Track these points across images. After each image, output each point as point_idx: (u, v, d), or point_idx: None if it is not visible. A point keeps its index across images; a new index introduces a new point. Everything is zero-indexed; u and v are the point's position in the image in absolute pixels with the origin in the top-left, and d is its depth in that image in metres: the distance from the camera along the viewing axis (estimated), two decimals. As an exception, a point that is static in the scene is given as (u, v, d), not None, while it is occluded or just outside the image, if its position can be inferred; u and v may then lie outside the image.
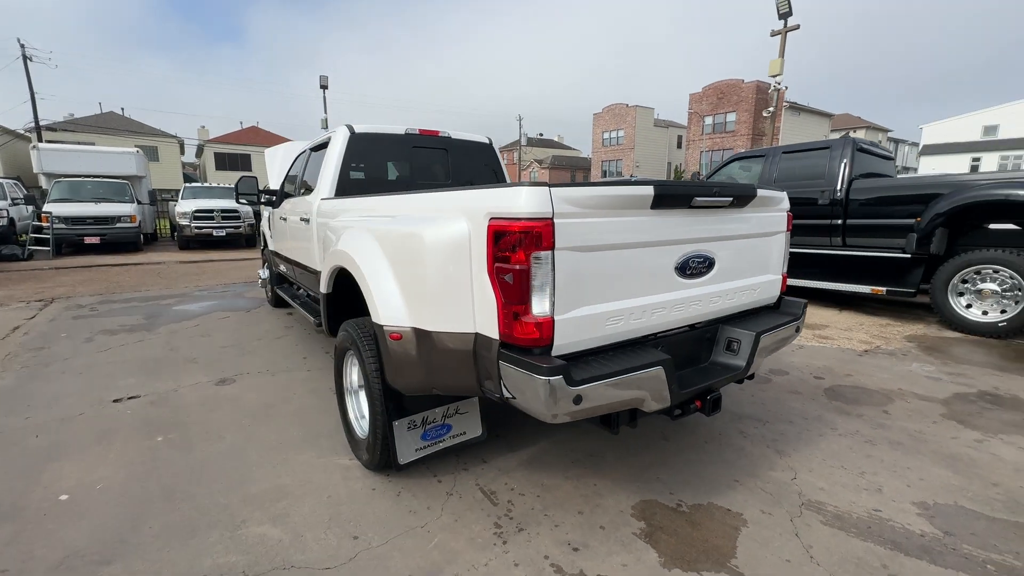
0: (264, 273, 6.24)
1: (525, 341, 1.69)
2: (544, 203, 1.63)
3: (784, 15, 13.64)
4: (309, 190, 4.24)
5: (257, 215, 16.16)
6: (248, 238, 14.39)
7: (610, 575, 1.82)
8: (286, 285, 5.78)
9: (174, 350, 4.53)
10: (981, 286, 5.13)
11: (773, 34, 14.09)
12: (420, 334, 1.97)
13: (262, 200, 5.30)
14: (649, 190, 1.85)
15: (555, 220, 1.64)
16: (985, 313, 5.14)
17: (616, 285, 1.87)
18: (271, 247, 5.67)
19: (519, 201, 1.64)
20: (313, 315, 4.18)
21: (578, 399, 1.66)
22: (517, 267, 1.64)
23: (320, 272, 3.69)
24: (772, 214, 2.48)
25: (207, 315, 5.90)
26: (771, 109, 14.46)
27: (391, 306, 2.04)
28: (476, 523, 2.12)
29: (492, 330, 1.77)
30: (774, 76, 13.92)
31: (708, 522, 2.13)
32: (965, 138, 42.80)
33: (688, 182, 2.07)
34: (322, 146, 4.13)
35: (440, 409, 2.32)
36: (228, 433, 2.93)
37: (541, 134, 67.83)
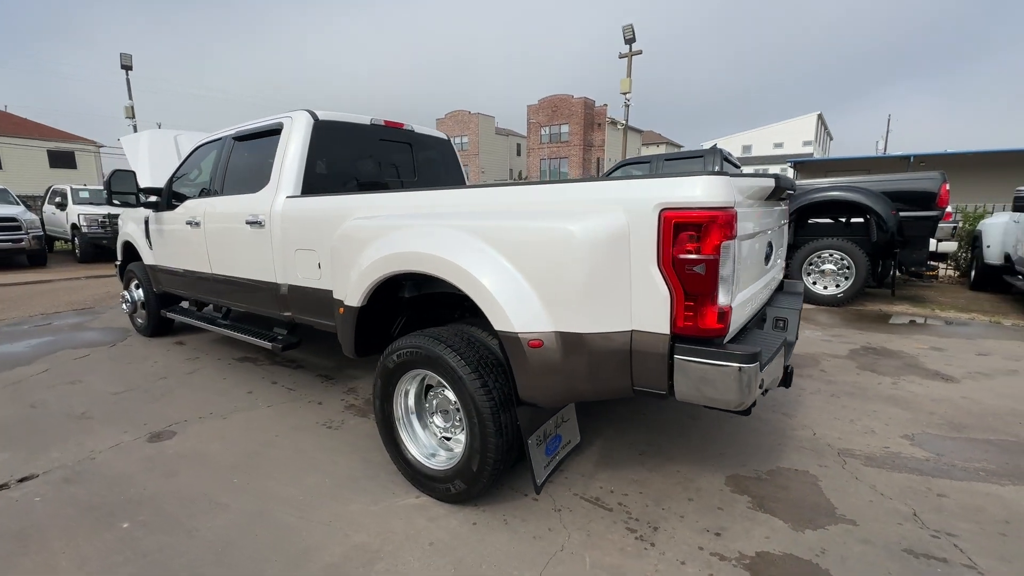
0: (137, 294, 4.88)
1: (707, 332, 1.67)
2: (728, 192, 1.63)
3: (629, 41, 15.58)
4: (236, 188, 3.50)
5: (43, 223, 12.56)
6: (34, 255, 11.04)
7: (766, 550, 1.91)
8: (185, 306, 4.64)
9: (38, 406, 3.28)
10: (823, 267, 6.57)
11: (621, 56, 15.97)
12: (566, 338, 1.79)
13: (142, 201, 4.19)
14: (771, 182, 1.98)
15: (737, 209, 1.66)
16: (826, 288, 6.59)
17: (746, 273, 1.96)
18: (153, 261, 4.49)
19: (703, 191, 1.62)
20: (264, 338, 3.45)
21: (761, 383, 1.70)
22: (705, 257, 1.61)
23: (282, 284, 3.11)
24: (787, 206, 2.85)
25: (51, 356, 4.39)
26: (624, 122, 16.33)
27: (526, 311, 1.82)
28: (610, 532, 2.01)
29: (659, 325, 1.71)
30: (624, 93, 15.79)
31: (792, 484, 2.36)
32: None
33: (784, 176, 2.28)
34: (263, 134, 3.44)
35: (552, 420, 2.13)
36: (224, 497, 2.25)
37: (380, 137, 65.49)
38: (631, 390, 1.83)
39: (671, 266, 1.66)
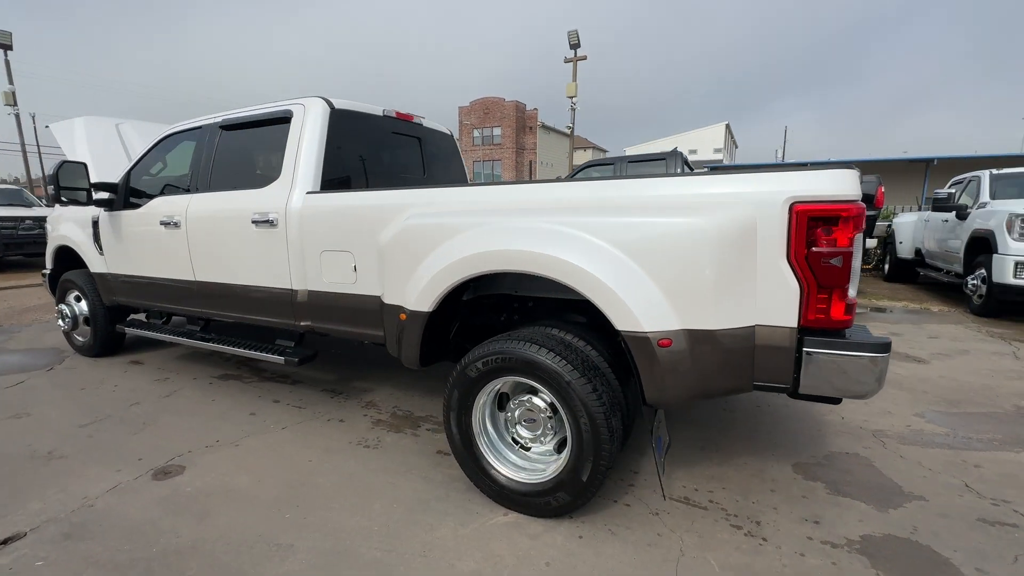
0: (79, 308, 4.16)
1: (837, 324, 1.70)
2: (856, 185, 1.66)
3: (574, 46, 15.91)
4: (230, 184, 3.12)
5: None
6: None
7: (867, 533, 1.97)
8: (142, 319, 4.03)
9: (-16, 448, 2.68)
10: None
11: (567, 61, 16.29)
12: (694, 336, 1.74)
13: (94, 199, 3.61)
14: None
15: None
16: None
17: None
18: (105, 268, 3.85)
19: (834, 184, 1.64)
20: (269, 352, 3.08)
21: (878, 372, 1.75)
22: (842, 250, 1.63)
23: (298, 291, 2.80)
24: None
25: (-28, 386, 3.62)
26: (570, 126, 16.63)
27: (653, 310, 1.74)
28: (718, 531, 1.98)
29: (787, 318, 1.72)
30: (571, 97, 16.10)
31: (852, 467, 2.48)
32: (651, 159, 57.32)
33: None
34: (264, 123, 3.07)
35: (653, 420, 2.06)
36: (285, 536, 1.95)
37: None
38: (751, 386, 1.82)
39: (804, 260, 1.67)
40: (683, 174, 2.15)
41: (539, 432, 2.11)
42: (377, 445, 2.72)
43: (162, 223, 3.34)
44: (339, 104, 2.99)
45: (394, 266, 2.30)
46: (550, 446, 2.13)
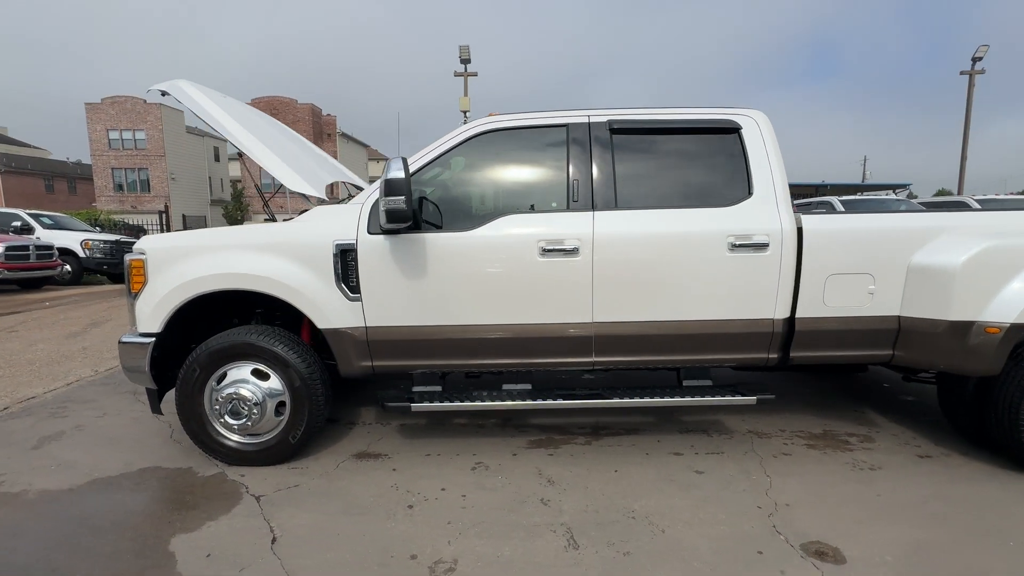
0: (266, 389, 2.51)
1: None
2: None
3: (465, 61, 15.54)
4: (649, 200, 2.66)
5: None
6: None
7: None
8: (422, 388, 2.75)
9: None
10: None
11: (457, 75, 15.76)
12: None
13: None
14: None
15: None
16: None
17: None
18: (369, 321, 2.55)
19: None
20: (735, 394, 2.67)
21: None
22: None
23: (777, 319, 2.64)
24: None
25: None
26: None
27: None
28: None
29: None
30: (464, 111, 15.61)
31: None
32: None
33: None
34: (689, 131, 2.68)
35: None
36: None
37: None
38: None
39: None
40: None
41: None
42: (876, 467, 2.68)
43: (545, 250, 2.47)
44: (763, 116, 2.81)
45: (974, 284, 2.42)
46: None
